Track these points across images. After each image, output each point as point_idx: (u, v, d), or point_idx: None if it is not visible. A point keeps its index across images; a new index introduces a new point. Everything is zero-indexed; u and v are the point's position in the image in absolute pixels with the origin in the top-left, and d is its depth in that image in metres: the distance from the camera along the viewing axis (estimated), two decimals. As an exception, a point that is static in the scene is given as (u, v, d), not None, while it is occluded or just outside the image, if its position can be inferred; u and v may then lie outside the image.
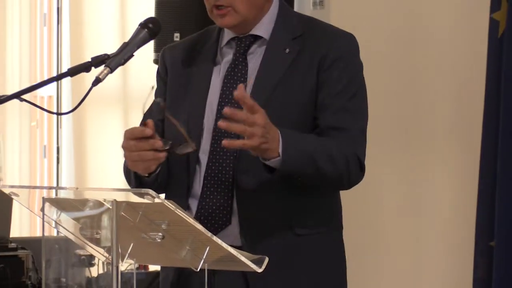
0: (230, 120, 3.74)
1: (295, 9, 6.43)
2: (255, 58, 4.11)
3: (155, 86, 4.26)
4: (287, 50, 4.09)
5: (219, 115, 4.00)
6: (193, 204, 4.04)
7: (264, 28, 4.13)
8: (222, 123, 3.72)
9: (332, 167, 3.96)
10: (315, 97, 4.04)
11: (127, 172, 4.10)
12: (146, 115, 4.12)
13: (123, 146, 3.94)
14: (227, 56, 4.13)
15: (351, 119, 4.05)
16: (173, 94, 4.19)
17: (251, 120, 3.73)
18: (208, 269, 3.64)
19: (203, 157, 4.02)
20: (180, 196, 4.02)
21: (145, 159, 3.86)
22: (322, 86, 4.04)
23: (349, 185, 4.06)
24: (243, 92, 3.73)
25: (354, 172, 4.01)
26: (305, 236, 4.02)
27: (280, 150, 3.85)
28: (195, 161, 4.04)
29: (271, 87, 4.05)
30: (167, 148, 3.90)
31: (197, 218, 3.92)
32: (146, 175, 3.97)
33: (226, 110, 3.73)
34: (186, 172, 4.06)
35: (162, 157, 3.88)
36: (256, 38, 4.12)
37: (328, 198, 4.12)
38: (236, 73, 4.12)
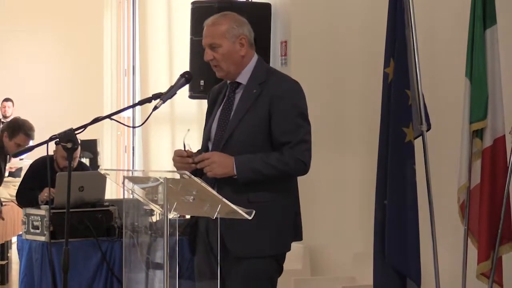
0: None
1: (271, 65, 6.33)
2: (238, 95, 4.08)
3: (190, 129, 4.23)
4: (254, 91, 4.03)
5: (216, 131, 4.07)
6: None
7: (244, 77, 4.07)
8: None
9: (274, 172, 3.94)
10: (269, 119, 3.99)
11: None
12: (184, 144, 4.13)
13: (173, 158, 4.02)
14: (227, 94, 4.14)
15: (293, 134, 3.99)
16: (208, 115, 4.21)
17: (207, 158, 3.89)
18: (220, 217, 3.74)
19: None
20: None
21: (181, 168, 3.92)
22: (273, 113, 3.99)
23: (296, 175, 4.05)
24: (198, 159, 3.90)
25: (296, 168, 3.98)
26: (256, 203, 3.90)
27: (234, 171, 3.91)
28: None
29: (243, 112, 4.02)
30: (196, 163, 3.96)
31: None
32: None
33: (196, 159, 3.92)
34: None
35: (193, 168, 3.94)
36: (239, 83, 4.10)
37: (274, 183, 3.99)
38: (228, 104, 4.09)
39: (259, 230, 3.95)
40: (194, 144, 4.13)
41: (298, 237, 4.16)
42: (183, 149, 4.02)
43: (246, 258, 3.98)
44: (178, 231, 3.77)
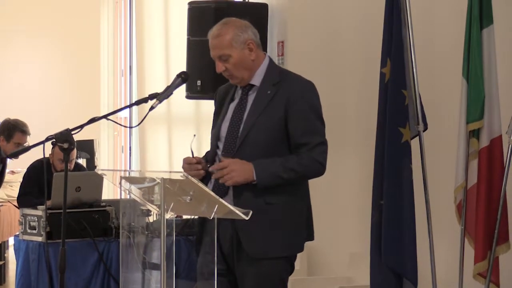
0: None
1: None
2: (251, 97, 4.07)
3: (196, 134, 4.24)
4: (269, 92, 4.02)
5: (228, 131, 4.05)
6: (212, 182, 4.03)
7: (257, 78, 4.06)
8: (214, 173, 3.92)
9: (294, 175, 3.94)
10: (285, 120, 3.98)
11: None
12: (192, 152, 4.12)
13: (182, 166, 4.02)
14: (238, 96, 4.12)
15: (310, 136, 3.99)
16: (216, 115, 4.19)
17: (225, 167, 3.88)
18: (217, 218, 3.73)
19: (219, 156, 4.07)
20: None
21: (191, 174, 3.78)
22: (290, 114, 3.98)
23: (314, 177, 4.06)
24: (213, 169, 3.91)
25: (314, 170, 4.00)
26: (271, 205, 3.96)
27: (254, 177, 3.90)
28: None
29: (258, 114, 4.01)
30: (206, 170, 4.00)
31: (213, 189, 3.89)
32: None
33: (212, 168, 3.93)
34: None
35: (202, 174, 3.97)
36: (252, 85, 4.07)
37: (289, 185, 4.00)
38: (241, 105, 4.07)
39: (275, 231, 3.97)
40: (194, 144, 4.12)
41: (310, 237, 4.16)
42: (191, 155, 4.02)
43: (260, 259, 3.96)
44: (175, 232, 3.76)
